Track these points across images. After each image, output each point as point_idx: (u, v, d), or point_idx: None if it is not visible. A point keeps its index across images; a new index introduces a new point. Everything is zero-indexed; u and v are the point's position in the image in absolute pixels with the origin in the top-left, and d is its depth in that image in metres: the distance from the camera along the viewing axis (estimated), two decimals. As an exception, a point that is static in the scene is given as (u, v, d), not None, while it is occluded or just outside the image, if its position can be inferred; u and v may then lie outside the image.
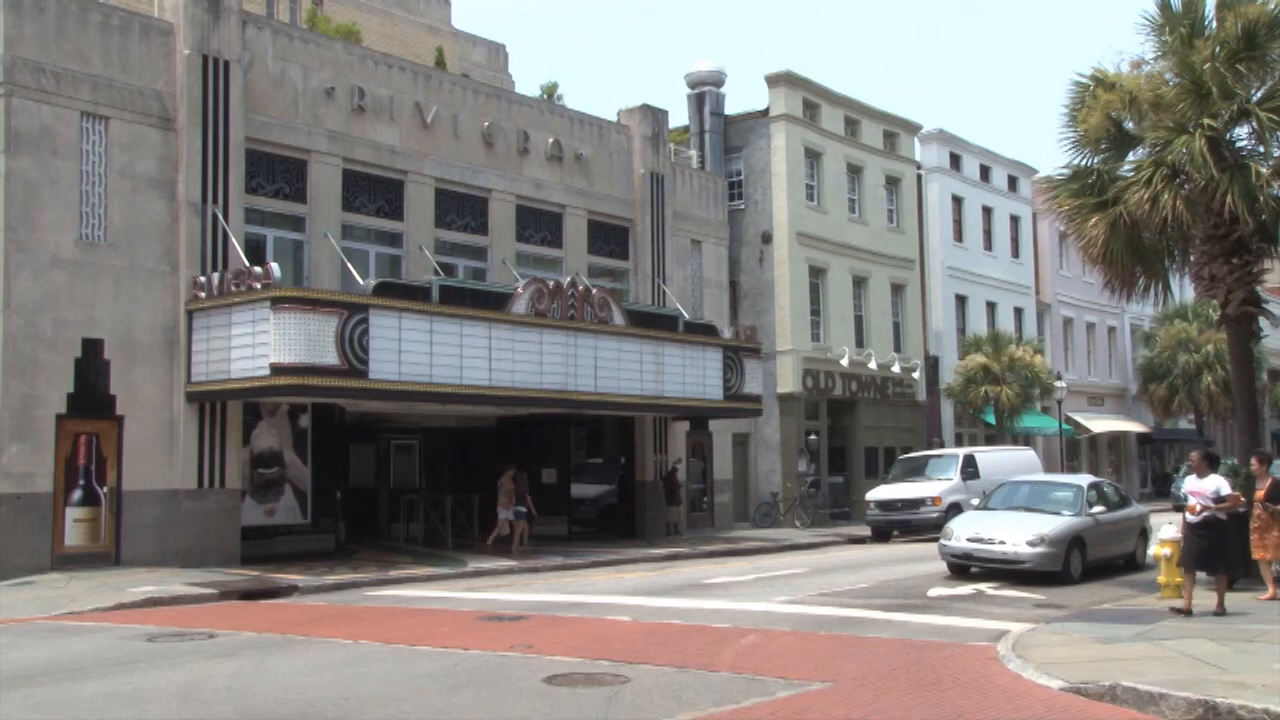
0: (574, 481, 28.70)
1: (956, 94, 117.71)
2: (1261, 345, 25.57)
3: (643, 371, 24.00)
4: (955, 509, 24.94)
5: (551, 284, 22.49)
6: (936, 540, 19.90)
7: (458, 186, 24.84)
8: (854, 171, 36.76)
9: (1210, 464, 13.83)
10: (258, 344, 18.32)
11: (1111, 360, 50.93)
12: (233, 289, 18.95)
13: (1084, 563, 18.02)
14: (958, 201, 41.88)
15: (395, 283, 20.74)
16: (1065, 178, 18.66)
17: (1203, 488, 13.46)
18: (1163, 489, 46.04)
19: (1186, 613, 12.89)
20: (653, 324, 24.65)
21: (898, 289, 38.29)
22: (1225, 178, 16.01)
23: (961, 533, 18.46)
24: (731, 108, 35.30)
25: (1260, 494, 14.45)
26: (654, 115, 29.48)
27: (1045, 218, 42.58)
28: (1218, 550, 13.29)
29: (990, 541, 17.89)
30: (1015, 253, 45.10)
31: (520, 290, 21.81)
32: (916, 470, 29.57)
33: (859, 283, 36.56)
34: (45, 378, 18.34)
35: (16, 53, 18.37)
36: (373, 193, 23.33)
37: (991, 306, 43.01)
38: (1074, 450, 46.10)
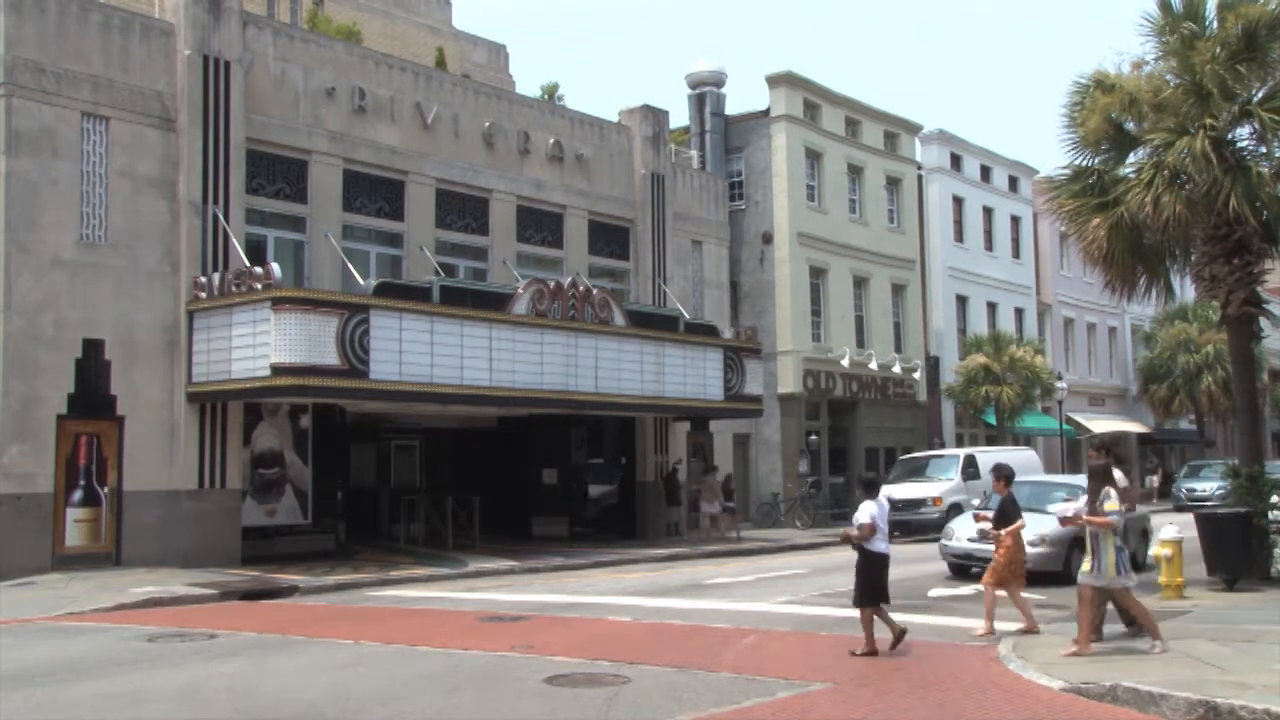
0: (577, 482, 28.73)
1: (956, 94, 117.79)
2: (1262, 346, 25.57)
3: (643, 372, 24.00)
4: (956, 509, 24.92)
5: (552, 284, 22.50)
6: (937, 540, 19.88)
7: (458, 187, 24.84)
8: (854, 172, 36.76)
9: (866, 489, 12.03)
10: (258, 344, 18.32)
11: (1112, 361, 50.92)
12: (233, 289, 18.95)
13: (1085, 563, 17.98)
14: (958, 202, 41.88)
15: (396, 283, 20.75)
16: (1066, 178, 18.64)
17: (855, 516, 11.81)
18: (1164, 489, 46.08)
19: (870, 653, 11.04)
20: (653, 324, 24.65)
21: (898, 289, 38.29)
22: (1227, 179, 16.00)
23: (962, 533, 18.45)
24: (732, 108, 35.35)
25: (983, 515, 12.89)
26: (654, 115, 29.48)
27: (1046, 218, 42.51)
28: (864, 582, 11.42)
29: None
30: (1016, 253, 45.11)
31: (521, 291, 21.81)
32: (917, 471, 29.56)
33: (859, 283, 36.55)
34: (46, 378, 18.34)
35: (17, 53, 18.37)
36: (373, 193, 23.33)
37: (992, 307, 43.01)
38: (1075, 451, 46.06)
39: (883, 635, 11.27)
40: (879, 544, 11.48)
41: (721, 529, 27.52)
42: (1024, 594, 12.87)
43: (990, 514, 13.54)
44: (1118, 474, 12.24)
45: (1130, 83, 17.40)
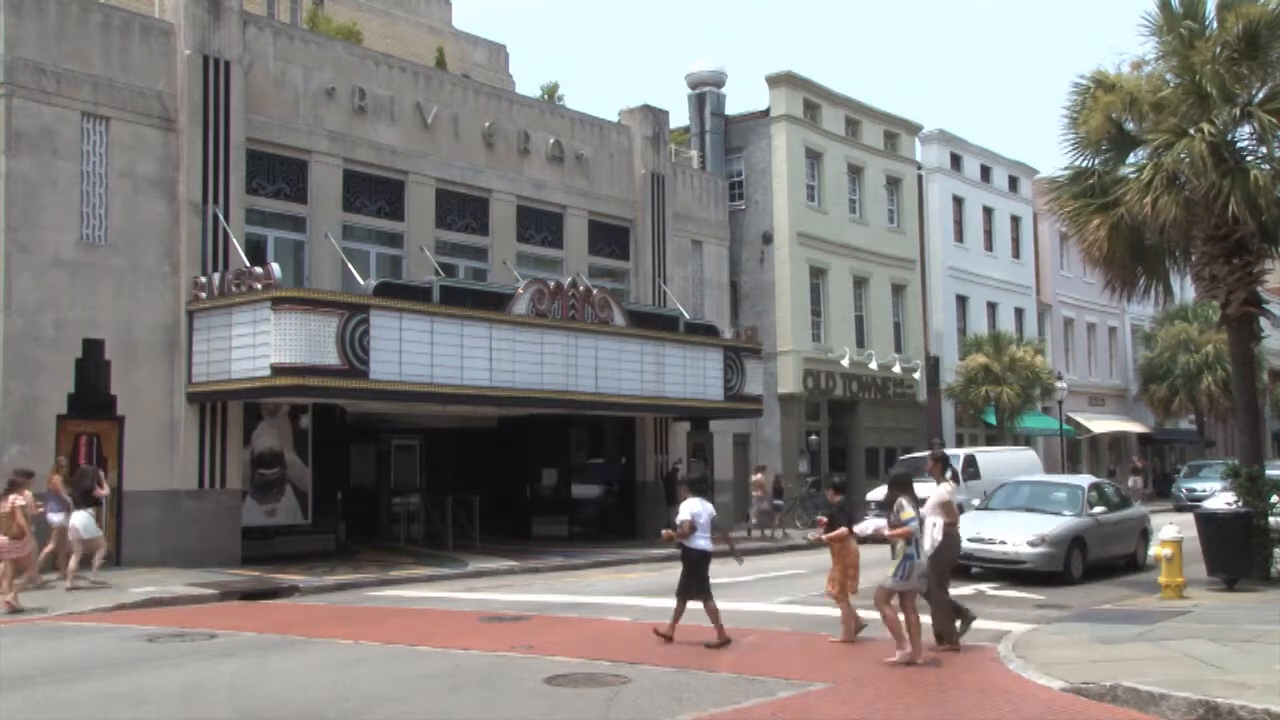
0: (577, 482, 28.70)
1: (956, 94, 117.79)
2: (1262, 345, 25.57)
3: (643, 372, 23.99)
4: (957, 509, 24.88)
5: (552, 284, 22.49)
6: (937, 540, 19.83)
7: (458, 187, 24.84)
8: (855, 172, 36.76)
9: (692, 488, 12.41)
10: (258, 344, 18.32)
11: (1112, 361, 50.91)
12: (233, 289, 18.95)
13: (1085, 563, 18.01)
14: (958, 202, 41.87)
15: (396, 283, 20.74)
16: (1066, 179, 18.67)
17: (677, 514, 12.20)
18: (1163, 489, 46.02)
19: (667, 638, 11.76)
20: (653, 324, 24.65)
21: (898, 289, 38.28)
22: (1226, 182, 16.00)
23: (962, 533, 18.42)
24: (732, 108, 35.34)
25: (823, 521, 13.08)
26: (655, 115, 29.48)
27: (1046, 218, 42.52)
28: (685, 575, 12.05)
29: (991, 541, 17.89)
30: (1016, 253, 45.10)
31: (521, 291, 21.80)
32: (917, 471, 29.50)
33: (860, 283, 36.55)
34: (46, 378, 18.33)
35: (17, 53, 18.37)
36: (373, 193, 23.33)
37: (992, 307, 43.00)
38: (1075, 451, 46.05)
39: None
40: (698, 541, 11.96)
41: (771, 525, 27.99)
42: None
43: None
44: (947, 485, 12.76)
45: (1131, 83, 17.42)
